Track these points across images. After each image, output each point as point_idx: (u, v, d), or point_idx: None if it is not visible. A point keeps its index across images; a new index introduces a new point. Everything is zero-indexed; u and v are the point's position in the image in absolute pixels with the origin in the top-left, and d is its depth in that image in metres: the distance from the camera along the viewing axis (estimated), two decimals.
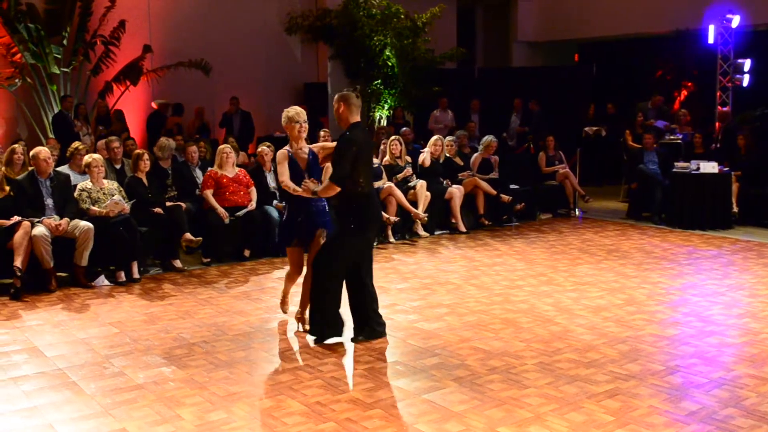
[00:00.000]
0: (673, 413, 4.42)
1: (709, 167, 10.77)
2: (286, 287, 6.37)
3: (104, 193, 7.98)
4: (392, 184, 9.94)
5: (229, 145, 9.33)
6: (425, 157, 10.65)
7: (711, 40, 14.05)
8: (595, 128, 15.57)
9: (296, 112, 5.88)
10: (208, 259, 8.63)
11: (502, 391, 4.74)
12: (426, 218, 9.98)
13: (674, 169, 11.17)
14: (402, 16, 14.40)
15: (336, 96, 5.86)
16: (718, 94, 14.29)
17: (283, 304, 6.45)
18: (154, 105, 13.85)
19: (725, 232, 10.51)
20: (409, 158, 10.72)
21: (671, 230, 10.72)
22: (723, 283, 7.64)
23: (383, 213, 9.60)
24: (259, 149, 9.65)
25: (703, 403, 4.58)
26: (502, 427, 4.23)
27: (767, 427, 4.24)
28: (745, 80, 13.94)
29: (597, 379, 4.97)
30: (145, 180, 8.45)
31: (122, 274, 7.73)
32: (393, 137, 10.75)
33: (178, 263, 8.32)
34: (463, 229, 10.47)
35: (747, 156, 11.44)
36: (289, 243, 5.99)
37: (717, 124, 13.83)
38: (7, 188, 7.61)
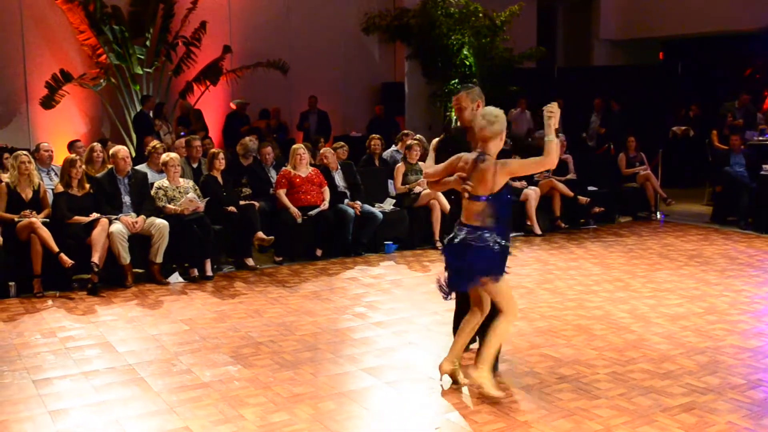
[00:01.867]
0: (753, 431, 4.19)
1: None
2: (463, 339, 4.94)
3: (180, 192, 8.10)
4: None
5: (302, 146, 9.37)
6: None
7: None
8: (683, 128, 15.09)
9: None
10: (280, 258, 8.69)
11: (571, 401, 4.58)
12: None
13: (762, 172, 10.70)
14: (480, 15, 14.26)
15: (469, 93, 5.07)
16: None
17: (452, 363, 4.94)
18: (232, 105, 14.05)
19: None
20: None
21: (758, 236, 10.26)
22: None
23: None
24: (322, 151, 9.66)
25: None
26: None
27: None
28: None
29: (672, 391, 4.76)
30: (220, 179, 8.55)
31: (196, 271, 7.84)
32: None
33: (250, 261, 8.40)
34: (538, 231, 10.27)
35: None
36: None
37: None
38: (87, 186, 7.81)
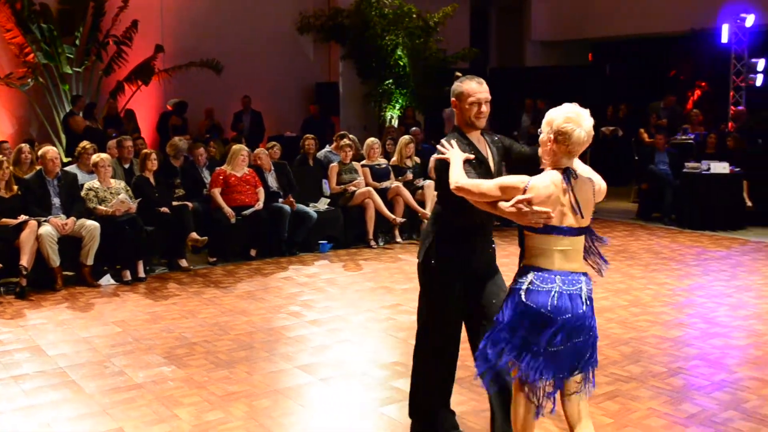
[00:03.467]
0: (672, 415, 4.38)
1: (720, 167, 10.69)
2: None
3: (111, 193, 8.01)
4: (400, 184, 9.93)
5: (245, 146, 9.37)
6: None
7: (725, 39, 13.97)
8: (612, 128, 15.48)
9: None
10: (214, 259, 8.67)
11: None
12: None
13: (685, 170, 11.09)
14: (414, 16, 14.38)
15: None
16: (731, 93, 14.19)
17: None
18: (168, 106, 13.91)
19: (735, 232, 10.43)
20: (417, 159, 10.69)
21: (681, 231, 10.65)
22: (730, 284, 7.58)
23: (389, 213, 9.61)
24: (256, 151, 9.66)
25: (703, 405, 4.54)
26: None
27: (767, 430, 4.19)
28: (759, 80, 13.84)
29: (597, 380, 4.87)
30: (152, 179, 8.48)
31: (128, 273, 7.76)
32: (406, 138, 10.73)
33: (183, 263, 8.35)
34: None
35: (739, 155, 11.28)
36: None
37: (730, 123, 13.74)
38: (15, 187, 7.66)
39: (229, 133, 14.48)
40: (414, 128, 12.71)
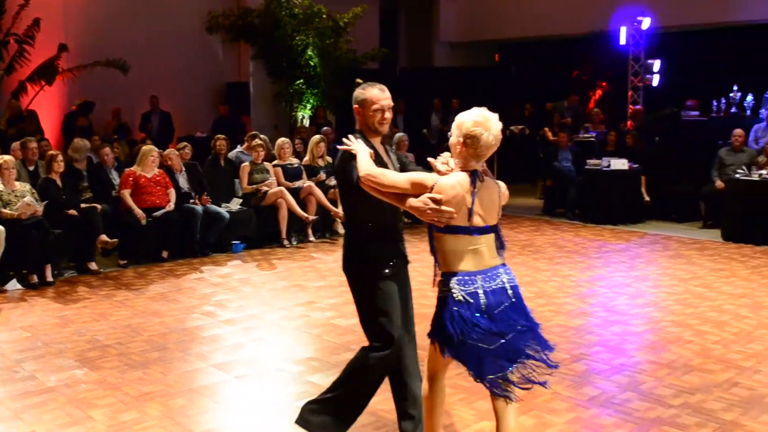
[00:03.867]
0: (574, 398, 4.63)
1: (619, 164, 11.17)
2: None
3: (16, 195, 7.81)
4: (312, 183, 10.01)
5: (155, 147, 9.27)
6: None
7: (622, 41, 14.56)
8: (520, 127, 15.91)
9: None
10: (125, 261, 8.56)
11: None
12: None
13: (586, 167, 11.55)
14: (324, 16, 14.45)
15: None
16: (629, 93, 14.81)
17: None
18: (74, 106, 13.59)
19: (635, 226, 10.93)
20: (329, 158, 10.78)
21: (584, 225, 11.09)
22: (629, 275, 7.97)
23: (302, 212, 9.69)
24: (167, 152, 9.57)
25: (603, 388, 4.81)
26: None
27: (662, 408, 4.47)
28: (655, 80, 14.49)
29: None
30: (59, 181, 8.32)
31: (35, 277, 7.60)
32: (316, 137, 10.81)
33: (93, 265, 8.23)
34: None
35: (637, 153, 11.82)
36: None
37: (629, 122, 14.33)
38: None
39: (137, 134, 14.27)
40: (325, 128, 12.80)
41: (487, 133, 3.30)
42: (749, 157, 10.66)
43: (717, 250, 9.27)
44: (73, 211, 8.15)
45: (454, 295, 3.31)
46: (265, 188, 9.71)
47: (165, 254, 8.77)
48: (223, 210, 9.30)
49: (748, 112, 13.71)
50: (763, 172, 10.01)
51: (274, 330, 6.17)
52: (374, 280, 3.76)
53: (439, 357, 3.51)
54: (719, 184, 10.49)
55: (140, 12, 14.56)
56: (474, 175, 3.36)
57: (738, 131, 10.82)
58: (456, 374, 5.00)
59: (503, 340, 3.34)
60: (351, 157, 3.62)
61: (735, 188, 10.06)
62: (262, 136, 10.79)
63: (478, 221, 3.36)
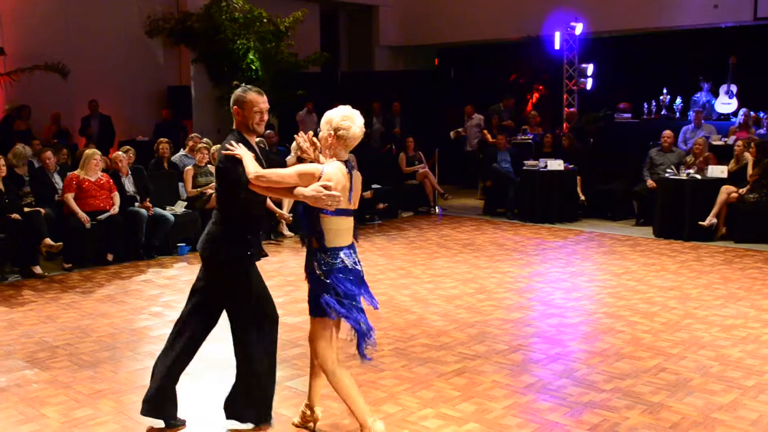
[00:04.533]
0: (512, 386, 4.88)
1: (556, 165, 11.54)
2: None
3: None
4: None
5: (97, 150, 9.27)
6: (289, 158, 10.85)
7: (557, 46, 15.02)
8: (459, 129, 16.20)
9: None
10: (70, 265, 8.55)
11: (360, 375, 5.05)
12: (291, 218, 10.20)
13: (524, 167, 11.89)
14: (265, 20, 14.56)
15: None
16: (564, 96, 15.26)
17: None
18: (6, 109, 13.42)
19: (571, 224, 11.31)
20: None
21: (523, 224, 11.42)
22: (566, 270, 8.29)
23: None
24: (115, 155, 9.60)
25: (540, 376, 5.07)
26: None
27: (594, 393, 4.75)
28: (589, 84, 14.98)
29: (447, 360, 5.38)
30: (1, 186, 8.28)
31: None
32: (258, 140, 10.90)
33: (38, 269, 8.20)
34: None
35: (572, 154, 12.23)
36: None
37: (565, 124, 14.78)
38: None
39: (77, 138, 14.16)
40: (268, 131, 12.89)
41: (354, 126, 3.85)
42: (678, 157, 11.14)
43: (648, 246, 9.68)
44: (16, 215, 8.12)
45: (344, 265, 3.85)
46: (210, 191, 9.78)
47: (110, 257, 8.78)
48: (168, 213, 9.35)
49: (678, 115, 14.32)
50: (691, 171, 10.48)
51: (223, 328, 6.26)
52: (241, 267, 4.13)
53: (332, 340, 3.93)
54: (650, 183, 10.93)
55: (79, 15, 14.45)
56: (347, 164, 3.89)
57: (667, 132, 11.29)
58: (401, 366, 5.23)
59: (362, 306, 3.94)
60: (237, 161, 3.91)
61: (665, 187, 10.50)
62: (205, 139, 10.86)
63: (348, 204, 3.87)
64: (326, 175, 3.77)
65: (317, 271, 3.90)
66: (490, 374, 5.09)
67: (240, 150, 3.93)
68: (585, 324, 6.31)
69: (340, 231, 3.86)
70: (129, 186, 9.38)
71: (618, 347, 5.67)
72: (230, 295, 4.20)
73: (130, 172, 9.50)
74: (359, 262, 3.96)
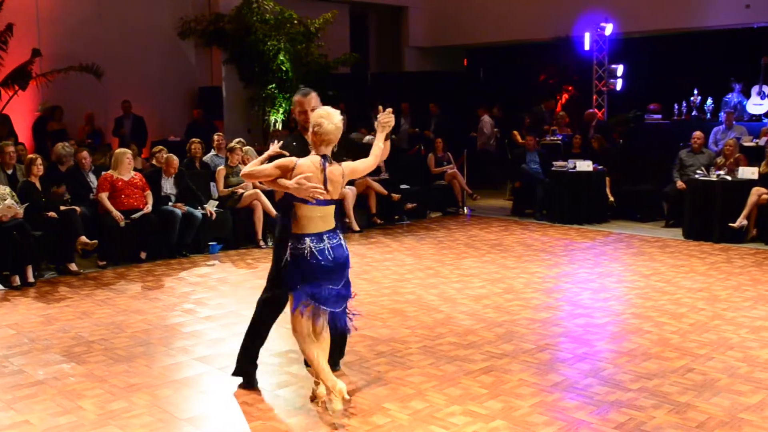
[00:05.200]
0: (539, 384, 4.92)
1: (585, 166, 11.53)
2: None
3: None
4: None
5: (129, 151, 9.42)
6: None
7: (587, 47, 14.98)
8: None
9: None
10: (104, 262, 8.72)
11: (388, 372, 5.13)
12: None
13: (553, 168, 11.90)
14: (295, 22, 14.68)
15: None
16: (594, 97, 15.22)
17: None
18: (39, 110, 13.70)
19: (600, 225, 11.29)
20: None
21: (551, 225, 11.43)
22: (594, 271, 8.30)
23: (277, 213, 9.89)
24: (166, 157, 9.59)
25: (566, 375, 5.11)
26: (387, 402, 4.63)
27: (620, 392, 4.78)
28: (619, 84, 14.92)
29: (474, 358, 5.44)
30: (38, 184, 8.47)
31: (17, 278, 7.74)
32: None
33: (73, 266, 8.38)
34: (356, 228, 10.85)
35: (602, 155, 12.21)
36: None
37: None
38: None
39: (110, 138, 14.39)
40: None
41: (329, 123, 4.27)
42: (708, 158, 11.08)
43: (678, 247, 9.65)
44: (52, 214, 8.31)
45: (310, 249, 4.29)
46: (241, 190, 9.92)
47: (143, 255, 8.95)
48: (197, 211, 9.47)
49: (708, 116, 14.21)
50: (722, 172, 10.42)
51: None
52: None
53: (300, 318, 4.40)
54: (680, 184, 10.88)
55: (113, 17, 14.69)
56: (324, 158, 4.32)
57: (697, 134, 11.23)
58: (429, 364, 5.30)
59: (332, 286, 4.38)
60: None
61: (695, 188, 10.46)
62: (238, 138, 10.99)
63: (326, 195, 4.29)
64: (299, 167, 4.27)
65: (291, 251, 4.37)
66: (517, 373, 5.13)
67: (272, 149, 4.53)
68: (612, 324, 6.33)
69: (312, 219, 4.31)
70: (169, 188, 9.46)
71: (645, 347, 5.69)
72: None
73: (173, 175, 9.56)
74: (336, 245, 4.36)
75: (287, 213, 4.47)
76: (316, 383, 4.58)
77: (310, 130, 4.31)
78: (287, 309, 4.60)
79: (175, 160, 9.58)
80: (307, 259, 4.29)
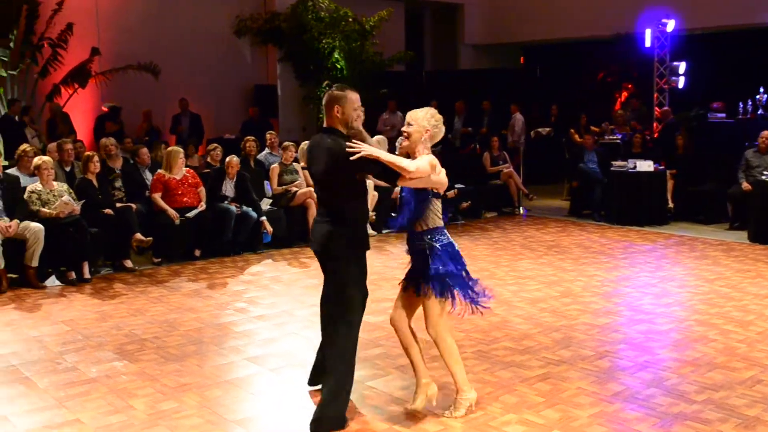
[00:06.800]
0: (599, 394, 4.73)
1: (645, 166, 11.22)
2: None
3: (54, 195, 8.05)
4: None
5: (181, 149, 9.45)
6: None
7: (648, 43, 14.61)
8: (548, 129, 15.96)
9: None
10: (159, 259, 8.77)
11: (441, 377, 4.99)
12: (374, 217, 10.23)
13: (612, 168, 11.60)
14: (350, 20, 14.65)
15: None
16: (655, 95, 14.84)
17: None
18: (104, 108, 13.88)
19: (661, 227, 10.96)
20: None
21: (610, 226, 11.14)
22: (655, 275, 8.04)
23: None
24: (228, 159, 9.57)
25: (627, 384, 4.91)
26: (439, 409, 4.50)
27: (684, 404, 4.57)
28: (681, 82, 14.52)
29: (530, 364, 5.27)
30: (95, 181, 8.55)
31: (73, 274, 7.83)
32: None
33: (128, 263, 8.44)
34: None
35: (684, 155, 11.90)
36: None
37: (655, 124, 14.36)
38: None
39: (167, 136, 14.52)
40: (352, 130, 12.94)
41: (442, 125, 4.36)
42: None
43: (743, 251, 9.31)
44: (109, 211, 8.38)
45: (449, 239, 4.37)
46: (295, 189, 9.88)
47: (197, 253, 8.97)
48: (251, 210, 9.46)
49: None
50: None
51: (306, 325, 6.32)
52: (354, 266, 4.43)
53: (444, 310, 4.47)
54: (746, 185, 10.50)
55: (170, 16, 14.82)
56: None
57: (765, 133, 10.81)
58: (483, 369, 5.15)
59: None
60: (371, 161, 4.08)
61: (762, 190, 10.07)
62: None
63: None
64: (434, 161, 4.23)
65: (428, 249, 4.29)
66: (575, 380, 4.96)
67: (368, 148, 4.09)
68: (675, 331, 6.09)
69: (440, 212, 4.34)
70: (230, 190, 9.45)
71: (711, 357, 5.45)
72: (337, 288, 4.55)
73: (236, 178, 9.56)
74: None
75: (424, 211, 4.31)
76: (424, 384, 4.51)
77: (430, 130, 4.30)
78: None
79: (236, 160, 9.57)
80: (455, 247, 4.38)
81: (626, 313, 6.60)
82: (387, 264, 8.65)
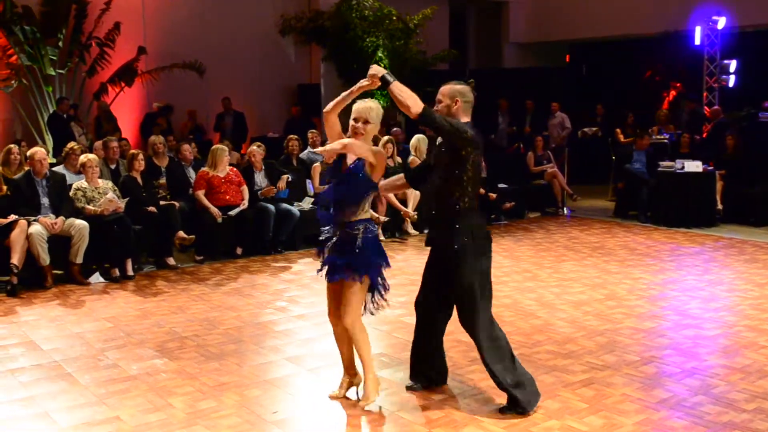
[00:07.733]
0: (644, 400, 4.61)
1: (693, 166, 10.98)
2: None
3: (99, 193, 8.14)
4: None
5: (224, 146, 9.50)
6: (413, 157, 10.80)
7: (697, 41, 14.32)
8: (594, 129, 15.72)
9: None
10: (201, 257, 8.81)
11: (481, 381, 4.92)
12: (416, 216, 10.16)
13: (659, 169, 11.37)
14: (394, 18, 14.59)
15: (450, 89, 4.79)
16: (704, 94, 14.52)
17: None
18: (154, 106, 14.05)
19: (709, 229, 10.71)
20: (399, 159, 10.88)
21: (656, 228, 10.92)
22: (703, 278, 7.85)
23: (373, 212, 9.79)
24: (249, 149, 9.81)
25: (674, 391, 4.78)
26: (480, 414, 4.42)
27: (734, 413, 4.43)
28: (731, 81, 14.19)
29: (573, 369, 5.17)
30: (139, 179, 8.62)
31: (117, 271, 7.90)
32: (385, 138, 10.90)
33: (171, 261, 8.50)
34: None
35: (734, 155, 11.63)
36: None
37: (704, 124, 14.06)
38: (5, 188, 7.77)
39: (211, 134, 14.64)
40: (395, 129, 12.90)
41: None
42: None
43: None
44: (152, 208, 8.44)
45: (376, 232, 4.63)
46: None
47: (239, 251, 9.00)
48: (293, 207, 9.47)
49: None
50: None
51: None
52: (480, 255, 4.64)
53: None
54: None
55: (215, 15, 14.95)
56: None
57: None
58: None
59: None
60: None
61: None
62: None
63: None
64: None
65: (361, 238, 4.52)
66: (620, 386, 4.84)
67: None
68: (724, 337, 5.92)
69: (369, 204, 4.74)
70: (261, 181, 9.53)
71: (761, 364, 5.28)
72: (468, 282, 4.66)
73: (263, 167, 9.66)
74: None
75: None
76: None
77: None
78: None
79: (257, 149, 9.67)
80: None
81: (673, 318, 6.44)
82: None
